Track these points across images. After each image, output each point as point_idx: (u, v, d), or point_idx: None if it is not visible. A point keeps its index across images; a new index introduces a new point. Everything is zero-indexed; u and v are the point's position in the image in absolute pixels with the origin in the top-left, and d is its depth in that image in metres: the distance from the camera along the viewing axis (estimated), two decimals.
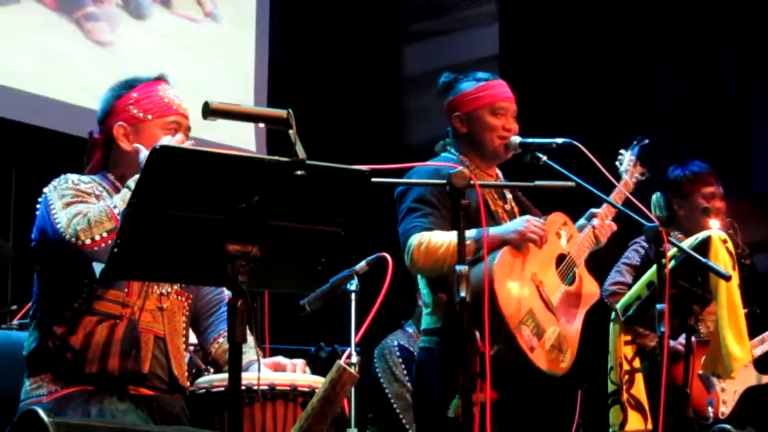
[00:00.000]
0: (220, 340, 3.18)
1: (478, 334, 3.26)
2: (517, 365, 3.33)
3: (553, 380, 3.56)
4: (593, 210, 3.76)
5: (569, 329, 3.56)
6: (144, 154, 2.90)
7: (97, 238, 2.76)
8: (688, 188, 4.65)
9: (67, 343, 2.88)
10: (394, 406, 5.23)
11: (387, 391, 5.25)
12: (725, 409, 4.40)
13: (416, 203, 3.57)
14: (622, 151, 4.18)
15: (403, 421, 5.18)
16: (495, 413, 3.24)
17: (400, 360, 5.28)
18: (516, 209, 3.77)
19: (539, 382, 3.52)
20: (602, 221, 3.72)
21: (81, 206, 2.85)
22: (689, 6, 7.27)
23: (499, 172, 3.84)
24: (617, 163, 4.13)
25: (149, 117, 3.05)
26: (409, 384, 5.19)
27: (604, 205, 3.69)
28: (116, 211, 2.78)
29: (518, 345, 3.34)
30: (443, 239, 3.44)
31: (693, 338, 4.10)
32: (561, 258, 3.63)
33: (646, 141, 4.20)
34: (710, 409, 4.36)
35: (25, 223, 3.04)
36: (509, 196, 3.79)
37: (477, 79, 3.76)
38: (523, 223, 3.50)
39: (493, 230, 3.43)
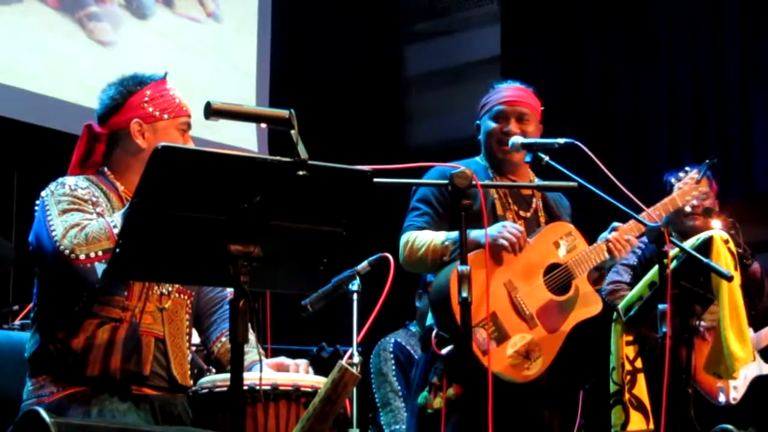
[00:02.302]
0: (223, 339, 3.17)
1: (433, 335, 3.46)
2: (473, 366, 3.28)
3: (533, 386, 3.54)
4: (615, 224, 3.68)
5: (547, 338, 3.53)
6: None
7: (92, 255, 2.72)
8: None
9: (68, 347, 2.87)
10: (378, 406, 5.24)
11: (373, 385, 5.26)
12: (736, 395, 4.45)
13: (417, 202, 3.68)
14: (687, 168, 4.08)
15: (382, 422, 5.18)
16: (457, 409, 3.29)
17: (392, 356, 5.29)
18: (543, 218, 3.76)
19: (511, 384, 3.48)
20: (620, 236, 3.63)
21: (78, 216, 2.82)
22: (690, 5, 7.27)
23: (534, 177, 3.83)
24: (674, 179, 4.08)
25: (165, 116, 3.03)
26: (394, 380, 5.20)
27: (630, 221, 3.61)
28: (116, 231, 2.72)
29: (469, 346, 3.29)
30: (426, 239, 3.53)
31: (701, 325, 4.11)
32: (554, 267, 3.62)
33: (715, 160, 4.16)
34: (721, 394, 4.41)
35: (27, 223, 3.03)
36: (538, 203, 3.78)
37: (492, 88, 3.82)
38: (499, 228, 3.50)
39: (472, 233, 3.39)
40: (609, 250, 3.63)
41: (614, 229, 3.67)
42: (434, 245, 3.51)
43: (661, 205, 3.83)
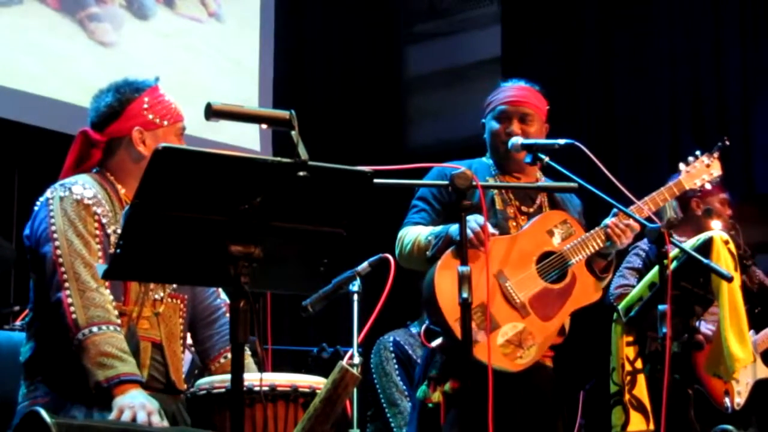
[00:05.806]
0: (221, 360, 3.18)
1: (422, 330, 3.58)
2: (463, 358, 3.23)
3: (532, 376, 3.53)
4: (617, 210, 3.63)
5: (541, 326, 3.52)
6: None
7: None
8: (709, 191, 4.54)
9: (65, 354, 2.84)
10: (384, 407, 5.23)
11: (377, 385, 5.26)
12: (740, 400, 4.47)
13: (416, 200, 3.73)
14: (698, 152, 3.99)
15: (392, 425, 5.18)
16: (454, 402, 3.31)
17: (393, 355, 5.28)
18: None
19: (509, 376, 3.46)
20: (619, 220, 3.59)
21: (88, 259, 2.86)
22: (690, 5, 7.27)
23: (541, 176, 3.82)
24: (682, 164, 3.97)
25: (165, 123, 3.06)
26: (399, 380, 5.21)
27: (631, 208, 3.59)
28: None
29: (456, 338, 3.29)
30: (413, 235, 3.59)
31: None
32: (548, 255, 3.62)
33: (727, 143, 4.04)
34: (727, 399, 4.43)
35: None
36: (543, 199, 3.78)
37: (498, 87, 3.83)
38: (471, 222, 3.48)
39: (453, 229, 3.42)
40: (608, 236, 3.61)
41: (615, 215, 3.62)
42: (419, 241, 3.56)
43: (666, 188, 3.78)
